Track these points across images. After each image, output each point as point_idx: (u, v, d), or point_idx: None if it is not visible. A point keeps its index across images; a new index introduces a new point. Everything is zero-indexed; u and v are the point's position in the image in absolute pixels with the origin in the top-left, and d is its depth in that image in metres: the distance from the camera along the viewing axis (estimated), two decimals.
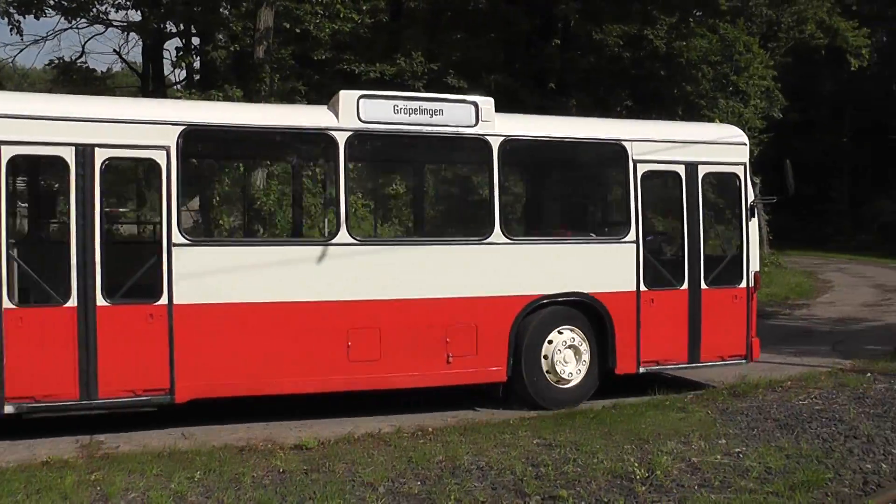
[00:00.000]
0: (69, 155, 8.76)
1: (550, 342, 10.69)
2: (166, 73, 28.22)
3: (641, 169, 11.03)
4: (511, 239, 10.49)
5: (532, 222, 12.59)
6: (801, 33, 30.78)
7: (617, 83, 20.83)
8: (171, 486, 7.13)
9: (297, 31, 16.94)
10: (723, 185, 12.04)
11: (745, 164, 11.80)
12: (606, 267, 10.93)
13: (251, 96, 16.59)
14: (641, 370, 11.13)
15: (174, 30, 23.47)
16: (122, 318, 8.89)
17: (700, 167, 11.41)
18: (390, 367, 9.91)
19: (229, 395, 9.53)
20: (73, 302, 8.69)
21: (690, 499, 6.88)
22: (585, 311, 10.86)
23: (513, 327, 10.43)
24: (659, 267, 11.25)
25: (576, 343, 10.79)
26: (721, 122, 23.32)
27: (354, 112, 9.81)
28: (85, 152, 8.80)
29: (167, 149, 9.08)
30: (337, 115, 9.80)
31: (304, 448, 8.45)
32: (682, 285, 11.31)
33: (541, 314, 10.65)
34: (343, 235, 9.72)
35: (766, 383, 11.65)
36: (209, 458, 7.98)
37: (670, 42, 21.23)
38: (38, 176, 9.59)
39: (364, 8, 17.28)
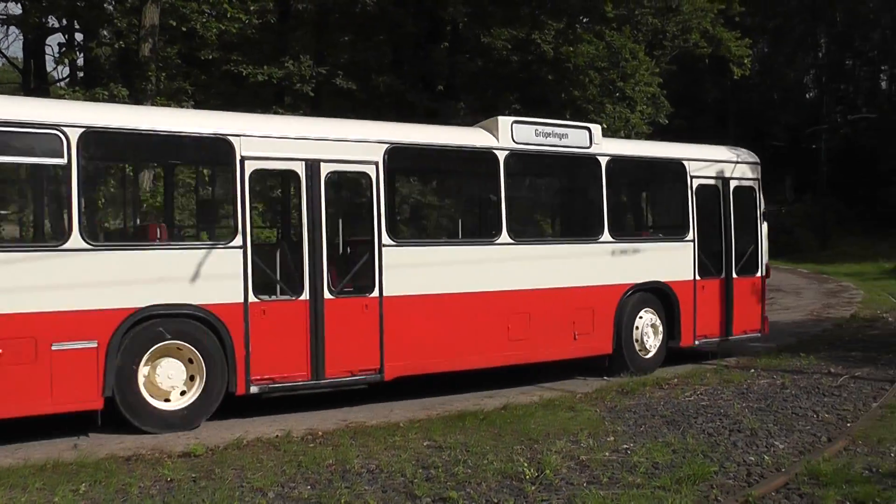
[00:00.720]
0: (300, 169, 10.19)
1: (640, 321, 13.12)
2: (49, 69, 27.37)
3: (695, 183, 13.80)
4: (614, 239, 12.79)
5: (626, 225, 14.89)
6: (686, 42, 31.49)
7: (505, 86, 20.99)
8: (54, 501, 6.88)
9: (184, 29, 16.61)
10: (745, 195, 14.61)
11: (759, 179, 14.79)
12: (674, 261, 13.59)
13: (137, 95, 16.21)
14: (696, 343, 13.76)
15: (57, 25, 22.75)
16: (344, 309, 10.40)
17: (731, 182, 14.30)
18: (535, 344, 11.92)
19: (422, 372, 11.16)
20: (305, 296, 10.17)
21: (579, 496, 6.93)
22: (661, 297, 13.40)
23: (617, 310, 12.83)
24: (707, 261, 13.85)
25: (655, 322, 13.31)
26: (608, 126, 23.76)
27: (509, 134, 11.80)
28: (313, 166, 10.24)
29: (376, 164, 10.68)
30: (497, 137, 11.71)
31: (192, 455, 8.26)
32: (721, 275, 14.10)
33: (633, 299, 13.04)
34: (504, 237, 11.69)
35: (653, 381, 11.91)
36: (95, 470, 7.70)
37: (558, 47, 21.50)
38: (272, 186, 10.64)
39: (252, 8, 17.04)
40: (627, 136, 28.59)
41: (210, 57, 17.46)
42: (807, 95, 65.80)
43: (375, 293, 10.65)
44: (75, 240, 8.87)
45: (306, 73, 16.64)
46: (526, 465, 7.73)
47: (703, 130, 59.59)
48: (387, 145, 10.83)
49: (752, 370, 12.82)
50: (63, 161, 8.91)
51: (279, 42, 17.77)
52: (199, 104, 16.89)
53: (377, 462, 7.99)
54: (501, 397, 11.04)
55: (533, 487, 7.18)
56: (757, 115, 60.90)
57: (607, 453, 8.19)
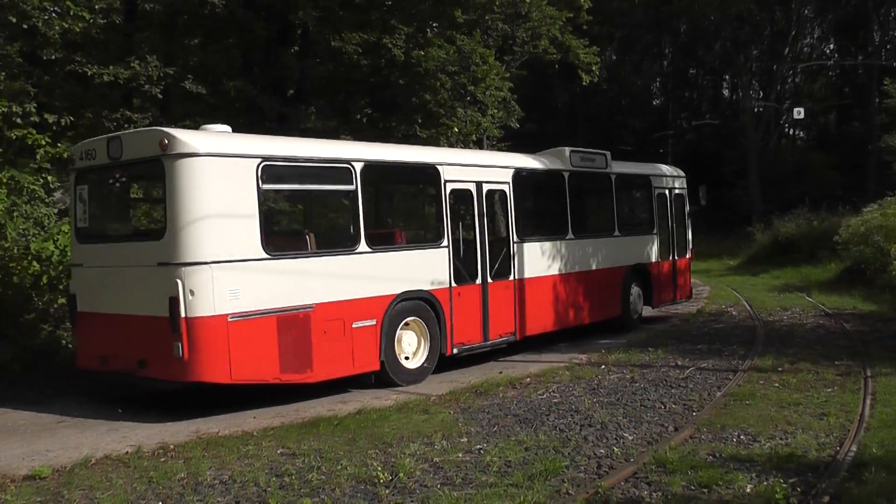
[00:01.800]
0: (473, 188, 13.76)
1: (633, 290, 17.87)
2: None
3: (655, 192, 18.72)
4: (621, 234, 17.46)
5: (619, 223, 17.74)
6: (535, 48, 31.91)
7: (357, 90, 20.85)
8: None
9: (25, 26, 15.86)
10: (680, 200, 19.76)
11: (686, 189, 19.94)
12: (645, 247, 18.32)
13: None
14: (660, 307, 19.26)
15: None
16: (497, 290, 13.97)
17: (674, 190, 19.46)
18: (586, 310, 16.36)
19: (537, 333, 14.99)
20: (478, 281, 13.65)
21: (433, 498, 6.92)
22: (641, 273, 18.12)
23: (623, 283, 17.44)
24: (665, 247, 18.96)
25: (641, 290, 18.17)
26: (459, 130, 23.94)
27: (569, 160, 16.08)
28: (479, 186, 13.85)
29: (508, 183, 14.45)
30: (562, 162, 15.93)
31: (37, 478, 7.89)
32: (672, 257, 19.30)
33: (633, 274, 17.76)
34: (570, 233, 15.90)
35: (506, 381, 12.02)
36: None
37: (409, 51, 21.49)
38: (457, 202, 13.56)
39: (97, 7, 16.38)
40: (479, 140, 28.93)
41: (53, 56, 16.68)
42: (653, 102, 68.08)
43: (512, 277, 14.36)
44: (363, 245, 11.74)
45: (153, 74, 16.09)
46: (380, 469, 7.68)
47: (554, 134, 60.80)
48: (513, 170, 14.58)
49: (603, 366, 13.11)
50: (352, 188, 11.71)
51: (126, 42, 17.15)
52: (44, 106, 16.17)
53: (230, 472, 7.83)
54: (356, 402, 10.96)
55: (387, 491, 7.15)
56: (606, 120, 62.63)
57: (461, 454, 8.22)
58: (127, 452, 8.75)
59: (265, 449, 8.68)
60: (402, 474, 7.52)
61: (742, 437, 8.58)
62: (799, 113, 45.22)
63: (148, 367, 10.27)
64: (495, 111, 26.63)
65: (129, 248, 10.86)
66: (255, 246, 10.35)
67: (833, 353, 13.56)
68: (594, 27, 40.21)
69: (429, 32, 22.23)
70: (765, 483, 7.01)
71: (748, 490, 6.90)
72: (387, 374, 12.03)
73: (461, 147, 24.84)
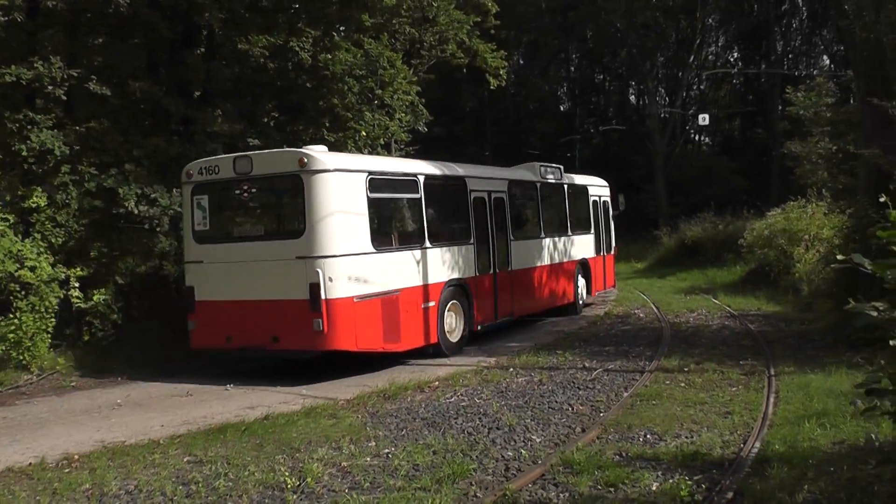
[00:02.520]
0: (486, 196, 17.07)
1: (580, 280, 21.80)
2: None
3: (592, 199, 22.90)
4: (572, 233, 21.19)
5: (570, 224, 21.34)
6: (443, 52, 31.98)
7: (263, 94, 20.66)
8: None
9: None
10: (606, 205, 23.97)
11: (609, 196, 24.23)
12: (591, 245, 22.49)
13: None
14: (596, 294, 23.25)
15: None
16: (501, 278, 17.35)
17: (603, 197, 23.78)
18: (553, 296, 20.12)
19: (527, 314, 18.69)
20: (491, 271, 16.97)
21: (341, 502, 6.92)
22: (584, 267, 21.97)
23: (574, 274, 21.31)
24: (601, 244, 23.24)
25: (585, 280, 22.17)
26: (367, 134, 23.90)
27: (539, 172, 19.99)
28: (489, 195, 17.19)
29: (506, 191, 17.94)
30: (534, 174, 19.86)
31: None
32: (603, 253, 23.51)
33: (579, 267, 21.72)
34: (542, 233, 19.53)
35: (414, 385, 12.05)
36: None
37: (316, 54, 21.37)
38: (474, 207, 16.73)
39: None
40: (388, 144, 28.93)
41: None
42: (561, 107, 68.86)
43: (510, 268, 17.73)
44: (426, 242, 14.88)
45: (57, 76, 15.71)
46: (287, 474, 7.66)
47: (462, 138, 61.30)
48: (508, 181, 18.29)
49: (511, 369, 13.24)
50: (418, 196, 14.94)
51: (28, 41, 16.68)
52: None
53: (136, 482, 7.73)
54: (263, 408, 10.89)
55: (295, 496, 7.14)
56: (514, 124, 63.08)
57: (369, 458, 8.24)
58: (30, 464, 8.59)
59: (172, 457, 8.58)
60: (309, 479, 7.51)
61: (648, 436, 8.74)
62: (704, 119, 46.37)
63: (281, 342, 12.99)
64: (403, 115, 26.65)
65: (264, 245, 13.44)
66: (366, 242, 13.35)
67: (738, 353, 13.91)
68: (502, 32, 40.45)
69: (336, 36, 22.10)
70: (670, 481, 7.15)
71: (654, 488, 7.03)
72: (440, 347, 15.00)
73: (369, 150, 24.85)
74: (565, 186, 21.02)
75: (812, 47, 58.45)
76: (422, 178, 15.03)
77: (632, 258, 41.93)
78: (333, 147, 21.58)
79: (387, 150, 29.26)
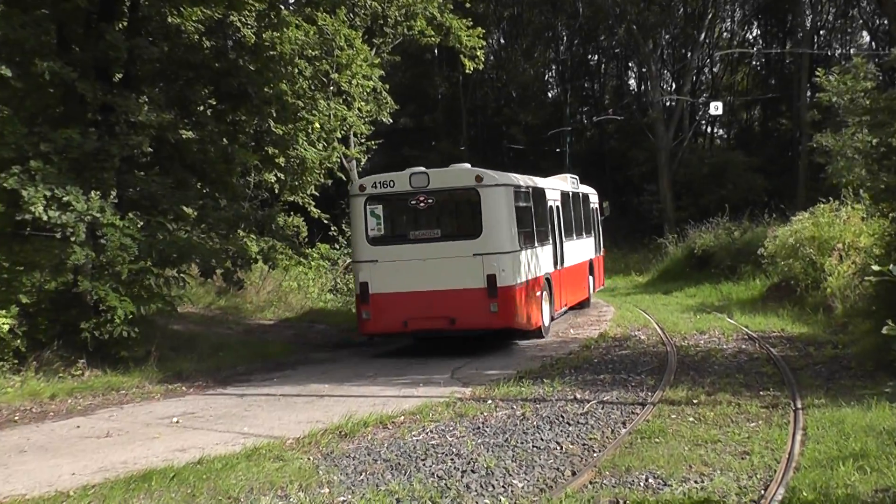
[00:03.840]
0: (552, 204, 22.94)
1: (589, 278, 28.51)
2: None
3: (592, 205, 29.31)
4: (585, 236, 27.72)
5: (584, 227, 28.21)
6: (410, 30, 32.02)
7: (198, 77, 20.48)
8: None
9: None
10: (597, 210, 30.43)
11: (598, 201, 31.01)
12: (593, 246, 29.01)
13: None
14: (598, 290, 30.88)
15: None
16: (561, 273, 23.18)
17: (595, 203, 29.84)
18: (581, 291, 26.62)
19: (572, 306, 25.49)
20: (560, 267, 23.10)
21: None
22: (590, 265, 28.29)
23: (587, 272, 27.64)
24: (598, 245, 29.88)
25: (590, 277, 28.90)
26: (321, 126, 23.90)
27: (569, 182, 26.70)
28: (553, 202, 23.06)
29: (558, 200, 23.96)
30: (567, 184, 26.32)
31: None
32: (600, 253, 30.58)
33: (588, 265, 28.07)
34: (573, 235, 25.64)
35: (375, 420, 11.98)
36: None
37: (260, 31, 21.31)
38: (549, 213, 23.04)
39: None
40: (346, 137, 28.92)
41: None
42: (548, 94, 69.04)
43: (563, 265, 23.56)
44: (535, 242, 20.84)
45: None
46: None
47: (433, 130, 61.41)
48: (559, 191, 24.59)
49: (489, 401, 13.19)
50: (529, 204, 20.85)
51: None
52: None
53: None
54: (196, 450, 10.76)
55: None
56: (493, 114, 63.35)
57: None
58: None
59: None
60: None
61: (650, 480, 8.72)
62: (717, 108, 46.70)
63: (457, 323, 18.68)
64: (363, 104, 26.66)
65: (440, 245, 18.99)
66: (516, 241, 19.16)
67: (757, 383, 13.92)
68: (479, 5, 40.71)
69: (284, 9, 22.05)
70: None
71: None
72: (541, 330, 20.63)
73: (324, 145, 24.83)
74: (580, 195, 27.78)
75: (848, 21, 58.28)
76: (531, 190, 21.32)
77: (632, 270, 42.16)
78: (282, 141, 21.66)
79: (344, 144, 29.27)
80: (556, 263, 22.81)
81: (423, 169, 19.71)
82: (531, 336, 20.38)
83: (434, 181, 19.29)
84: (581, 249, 26.73)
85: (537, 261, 20.69)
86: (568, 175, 28.01)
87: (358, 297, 19.51)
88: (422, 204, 19.34)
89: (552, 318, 22.04)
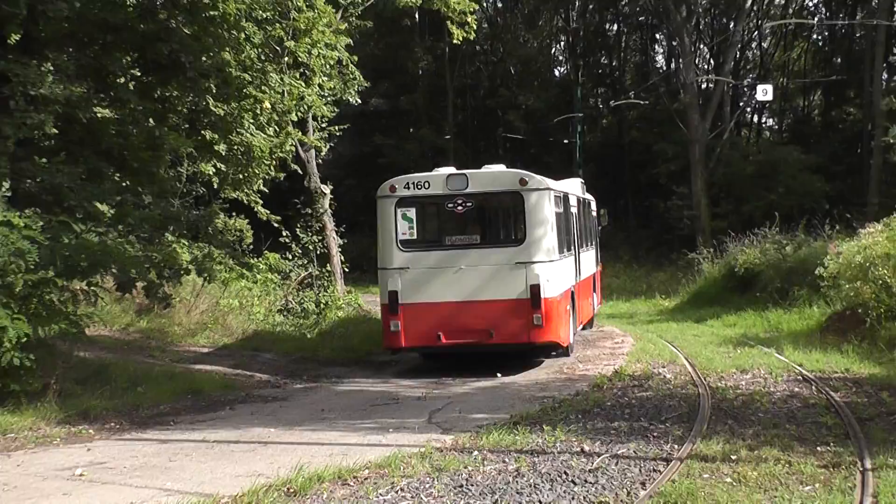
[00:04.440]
0: (575, 210, 26.50)
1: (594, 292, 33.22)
2: None
3: (593, 213, 32.08)
4: (590, 248, 30.92)
5: (591, 237, 31.60)
6: None
7: (117, 42, 20.36)
8: None
9: None
10: (597, 217, 33.46)
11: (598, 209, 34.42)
12: (596, 257, 32.77)
13: None
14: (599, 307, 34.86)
15: None
16: (576, 289, 25.18)
17: (594, 210, 32.81)
18: (592, 306, 31.09)
19: (584, 324, 28.44)
20: (576, 280, 25.46)
21: None
22: (594, 280, 31.52)
23: (594, 284, 32.03)
24: (598, 257, 33.74)
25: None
26: (273, 106, 23.85)
27: (580, 188, 29.55)
28: (573, 210, 25.89)
29: (576, 206, 26.91)
30: (579, 190, 29.22)
31: None
32: (599, 267, 34.09)
33: (593, 278, 32.21)
34: (584, 246, 28.98)
35: (333, 474, 11.87)
36: None
37: None
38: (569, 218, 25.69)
39: None
40: (303, 120, 28.86)
41: None
42: (555, 72, 69.16)
43: (581, 278, 25.94)
44: (565, 251, 23.17)
45: None
46: None
47: (412, 115, 61.47)
48: (576, 196, 26.86)
49: (475, 452, 13.11)
50: (561, 210, 23.07)
51: None
52: None
53: None
54: None
55: None
56: (487, 95, 63.44)
57: None
58: None
59: None
60: None
61: None
62: (766, 92, 46.51)
63: (496, 337, 20.77)
64: (325, 80, 26.60)
65: (478, 252, 21.26)
66: (556, 249, 21.63)
67: (814, 436, 13.85)
68: None
69: None
70: None
71: None
72: (569, 347, 23.44)
73: (275, 129, 24.80)
74: (586, 201, 30.13)
75: None
76: (562, 195, 23.57)
77: (656, 292, 42.23)
78: (223, 123, 21.63)
79: (301, 129, 29.20)
80: (576, 275, 25.30)
81: (460, 170, 22.17)
82: (560, 354, 23.06)
83: (473, 184, 21.46)
84: (590, 261, 30.02)
85: (566, 272, 23.32)
86: (579, 180, 30.75)
87: (385, 308, 21.57)
88: (459, 207, 21.61)
89: (574, 335, 24.61)
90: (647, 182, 57.38)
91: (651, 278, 44.60)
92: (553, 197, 21.82)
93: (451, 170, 22.18)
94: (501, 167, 22.96)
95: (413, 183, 21.63)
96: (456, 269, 21.05)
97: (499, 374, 20.78)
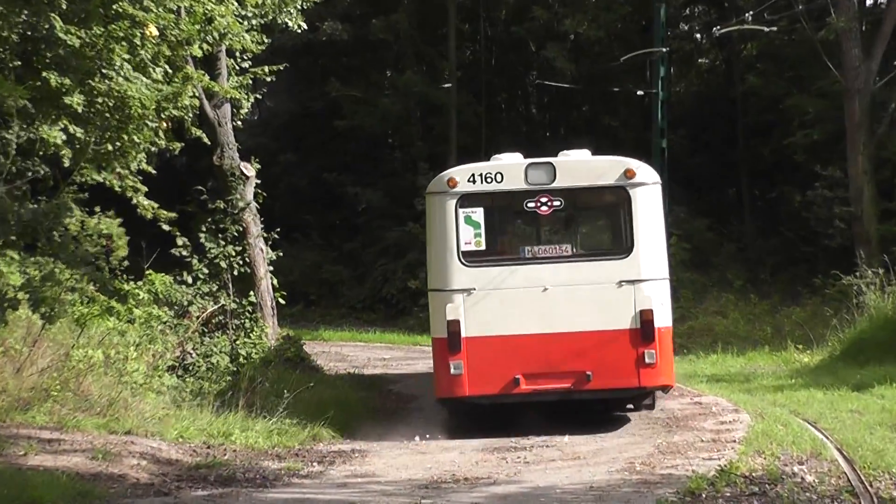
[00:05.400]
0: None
1: None
2: None
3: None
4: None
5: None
6: None
7: None
8: None
9: None
10: None
11: None
12: None
13: None
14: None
15: None
16: None
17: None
18: None
19: None
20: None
21: None
22: None
23: None
24: None
25: None
26: (162, 31, 23.81)
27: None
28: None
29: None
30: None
31: None
32: None
33: None
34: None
35: None
36: None
37: None
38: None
39: None
40: (212, 57, 28.87)
41: None
42: None
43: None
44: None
45: None
46: None
47: (390, 48, 61.87)
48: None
49: None
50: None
51: None
52: None
53: None
54: None
55: None
56: (511, 20, 63.58)
57: None
58: None
59: None
60: None
61: None
62: None
63: (594, 381, 23.10)
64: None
65: (569, 268, 23.58)
66: (666, 263, 24.12)
67: None
68: None
69: None
70: None
71: None
72: (654, 397, 26.64)
73: (166, 71, 24.72)
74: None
75: None
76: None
77: (787, 339, 41.95)
78: (79, 60, 21.43)
79: (208, 71, 29.17)
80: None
81: (550, 160, 24.42)
82: (646, 407, 26.14)
83: (562, 176, 23.91)
84: None
85: (669, 293, 25.70)
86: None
87: (442, 344, 23.84)
88: (544, 208, 23.97)
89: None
90: (772, 159, 57.20)
91: (780, 317, 44.65)
92: (659, 192, 23.66)
93: (519, 157, 24.21)
94: (587, 153, 25.28)
95: (480, 175, 23.61)
96: (541, 290, 22.95)
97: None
